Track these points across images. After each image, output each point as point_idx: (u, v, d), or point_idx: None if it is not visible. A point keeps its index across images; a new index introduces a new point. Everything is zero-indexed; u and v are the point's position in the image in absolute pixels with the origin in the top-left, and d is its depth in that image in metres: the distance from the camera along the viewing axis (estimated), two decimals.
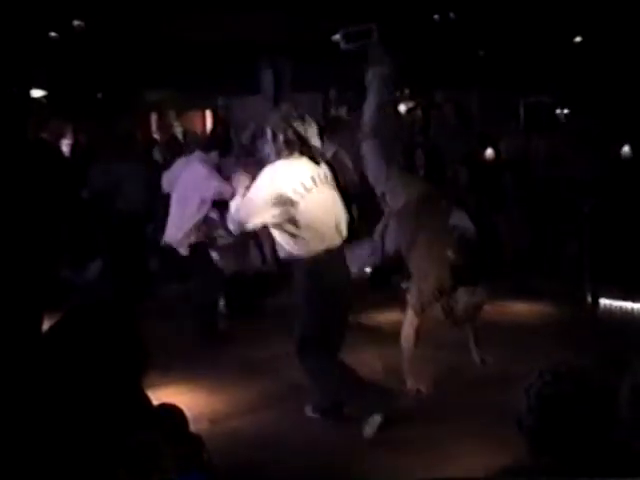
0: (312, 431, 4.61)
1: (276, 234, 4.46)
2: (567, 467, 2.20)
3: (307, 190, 4.30)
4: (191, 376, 5.57)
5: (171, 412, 2.73)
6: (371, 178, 5.55)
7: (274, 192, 4.26)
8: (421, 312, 5.04)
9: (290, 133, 4.38)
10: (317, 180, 4.35)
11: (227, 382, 5.47)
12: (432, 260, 4.95)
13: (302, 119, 4.42)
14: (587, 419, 2.24)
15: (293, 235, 4.35)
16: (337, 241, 4.48)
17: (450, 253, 4.85)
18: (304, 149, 4.39)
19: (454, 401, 4.93)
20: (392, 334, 6.00)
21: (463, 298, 5.03)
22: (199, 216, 6.29)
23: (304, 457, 4.25)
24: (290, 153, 4.38)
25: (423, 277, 5.01)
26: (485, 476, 3.22)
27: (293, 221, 4.29)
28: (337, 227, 4.46)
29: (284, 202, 4.25)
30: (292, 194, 4.26)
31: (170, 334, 6.32)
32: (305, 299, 4.52)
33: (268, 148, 4.72)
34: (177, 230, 6.33)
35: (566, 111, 11.67)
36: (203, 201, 6.25)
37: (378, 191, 5.47)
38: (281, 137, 4.41)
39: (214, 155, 6.48)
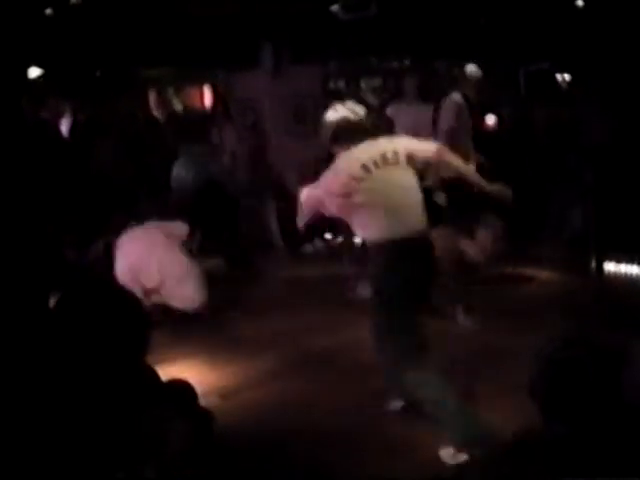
0: (323, 404, 4.61)
1: (351, 219, 4.22)
2: (579, 433, 2.20)
3: (373, 169, 4.07)
4: (200, 351, 5.58)
5: (181, 387, 2.74)
6: None
7: (346, 173, 4.09)
8: None
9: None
10: (385, 159, 4.09)
11: (233, 356, 5.47)
12: None
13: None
14: (598, 384, 2.23)
15: (363, 218, 4.12)
16: (418, 226, 4.10)
17: None
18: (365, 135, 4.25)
19: (464, 371, 4.93)
20: None
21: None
22: None
23: (315, 431, 4.25)
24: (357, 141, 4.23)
25: None
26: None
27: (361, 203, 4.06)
28: (413, 210, 4.12)
29: (351, 183, 4.05)
30: (359, 173, 4.06)
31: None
32: (376, 293, 4.17)
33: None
34: None
35: (567, 77, 11.58)
36: None
37: None
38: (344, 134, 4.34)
39: None
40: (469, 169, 4.45)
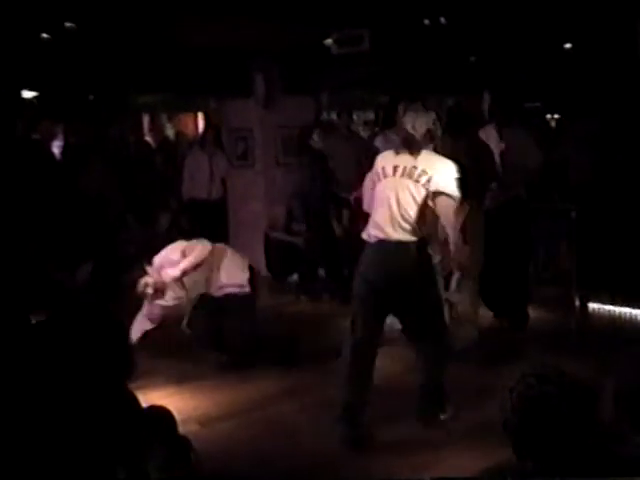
0: (302, 432, 4.62)
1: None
2: (548, 469, 2.22)
3: (386, 175, 4.53)
4: (179, 378, 5.58)
5: (160, 414, 2.75)
6: None
7: (373, 170, 4.65)
8: None
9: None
10: (399, 170, 4.48)
11: (216, 384, 5.48)
12: None
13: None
14: (569, 422, 2.26)
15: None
16: (394, 236, 4.44)
17: None
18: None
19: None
20: None
21: None
22: None
23: (293, 459, 4.26)
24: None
25: None
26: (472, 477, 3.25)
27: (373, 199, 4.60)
28: (396, 221, 4.46)
29: (373, 179, 4.61)
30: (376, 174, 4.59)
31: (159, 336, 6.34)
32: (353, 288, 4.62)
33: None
34: None
35: (556, 116, 11.74)
36: None
37: None
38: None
39: None
40: (454, 229, 4.63)
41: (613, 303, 6.95)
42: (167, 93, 11.77)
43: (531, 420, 2.26)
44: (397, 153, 4.55)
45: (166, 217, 10.04)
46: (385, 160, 4.59)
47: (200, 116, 13.81)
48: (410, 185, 4.41)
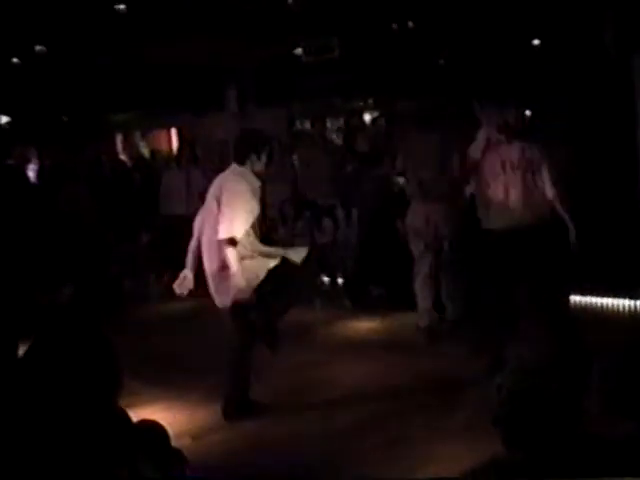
0: (294, 443, 4.64)
1: None
2: (539, 461, 2.26)
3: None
4: (171, 392, 5.58)
5: (151, 428, 2.76)
6: None
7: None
8: None
9: None
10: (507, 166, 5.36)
11: (205, 397, 5.48)
12: None
13: None
14: (557, 413, 2.30)
15: None
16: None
17: None
18: None
19: (432, 401, 5.00)
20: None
21: None
22: None
23: (290, 467, 4.27)
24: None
25: None
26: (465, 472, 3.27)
27: None
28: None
29: None
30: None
31: (149, 351, 6.35)
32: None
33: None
34: None
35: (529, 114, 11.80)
36: None
37: None
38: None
39: None
40: None
41: (593, 294, 7.04)
42: (140, 111, 11.75)
43: (521, 413, 2.30)
44: None
45: (146, 235, 10.04)
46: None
47: (174, 132, 13.81)
48: None
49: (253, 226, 4.98)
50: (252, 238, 4.99)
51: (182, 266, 5.23)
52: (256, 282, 4.96)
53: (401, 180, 7.87)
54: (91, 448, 2.38)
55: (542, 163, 5.44)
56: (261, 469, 4.25)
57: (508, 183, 5.43)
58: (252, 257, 4.97)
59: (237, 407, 5.06)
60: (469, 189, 6.22)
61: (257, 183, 5.08)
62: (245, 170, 5.08)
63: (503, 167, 5.46)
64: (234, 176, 5.07)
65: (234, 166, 5.13)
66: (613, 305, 7.04)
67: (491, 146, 5.53)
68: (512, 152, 5.47)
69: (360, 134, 9.57)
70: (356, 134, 9.63)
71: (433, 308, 6.60)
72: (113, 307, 7.68)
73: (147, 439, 2.61)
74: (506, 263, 5.32)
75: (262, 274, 4.99)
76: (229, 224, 4.87)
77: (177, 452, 2.84)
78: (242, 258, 4.92)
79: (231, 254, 4.86)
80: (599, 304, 7.07)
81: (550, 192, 5.42)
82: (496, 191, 5.45)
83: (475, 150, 5.60)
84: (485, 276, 5.74)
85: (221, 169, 8.03)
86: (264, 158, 5.11)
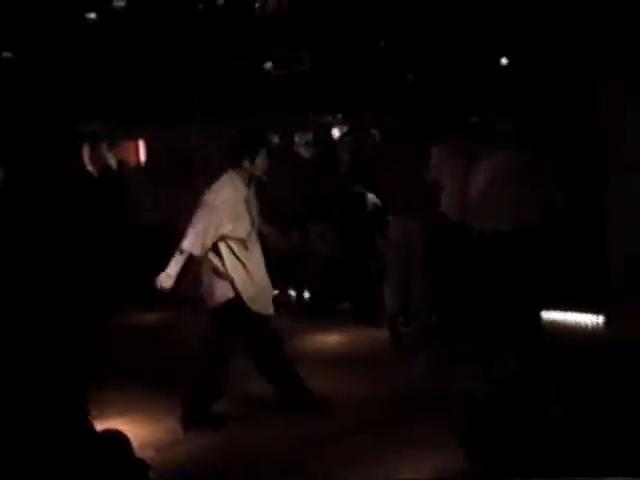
0: (258, 454, 4.61)
1: None
2: (500, 470, 2.26)
3: None
4: (135, 405, 5.51)
5: (114, 437, 2.73)
6: None
7: None
8: None
9: None
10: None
11: (167, 410, 5.42)
12: None
13: None
14: (518, 424, 2.31)
15: None
16: None
17: None
18: None
19: (398, 413, 5.00)
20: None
21: None
22: None
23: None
24: None
25: None
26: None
27: None
28: None
29: None
30: None
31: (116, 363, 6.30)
32: None
33: None
34: None
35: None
36: None
37: None
38: None
39: None
40: None
41: (551, 309, 7.09)
42: (107, 121, 11.66)
43: (481, 424, 2.30)
44: None
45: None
46: None
47: (141, 143, 13.71)
48: None
49: (236, 236, 4.97)
50: (238, 248, 4.98)
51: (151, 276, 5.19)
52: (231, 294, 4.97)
53: (372, 197, 7.93)
54: (57, 456, 2.34)
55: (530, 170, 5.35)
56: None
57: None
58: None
59: (196, 416, 5.02)
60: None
61: (245, 190, 5.05)
62: (233, 175, 5.04)
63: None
64: (217, 185, 5.03)
65: (227, 172, 5.09)
66: (574, 320, 7.11)
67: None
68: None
69: (328, 149, 9.59)
70: (325, 148, 9.65)
71: (401, 315, 6.74)
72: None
73: (111, 448, 2.58)
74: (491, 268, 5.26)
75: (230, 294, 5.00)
76: (190, 237, 4.88)
77: (139, 461, 2.81)
78: (215, 271, 4.95)
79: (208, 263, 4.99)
80: (559, 319, 7.14)
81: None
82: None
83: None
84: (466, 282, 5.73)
85: (187, 180, 7.99)
86: (261, 159, 5.05)
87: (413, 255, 6.54)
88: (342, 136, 11.23)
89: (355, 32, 9.49)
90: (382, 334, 6.90)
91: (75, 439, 2.43)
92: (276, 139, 11.20)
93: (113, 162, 12.48)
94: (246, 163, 5.02)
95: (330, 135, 11.60)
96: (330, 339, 7.17)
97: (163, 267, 5.75)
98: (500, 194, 5.17)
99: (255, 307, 5.02)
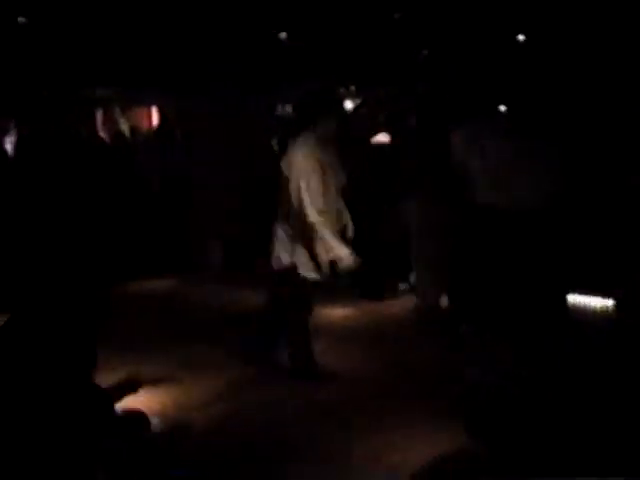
0: (262, 423, 4.68)
1: None
2: (500, 453, 2.30)
3: None
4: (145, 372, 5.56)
5: (134, 418, 2.78)
6: None
7: None
8: None
9: None
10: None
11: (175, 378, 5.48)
12: None
13: None
14: (517, 408, 2.35)
15: None
16: None
17: None
18: None
19: (403, 389, 5.06)
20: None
21: None
22: None
23: (256, 448, 4.31)
24: None
25: None
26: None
27: None
28: None
29: None
30: None
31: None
32: None
33: None
34: None
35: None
36: None
37: None
38: None
39: None
40: None
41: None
42: (121, 87, 11.65)
43: (481, 407, 2.35)
44: None
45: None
46: None
47: (154, 110, 13.67)
48: None
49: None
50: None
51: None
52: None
53: None
54: (73, 429, 2.40)
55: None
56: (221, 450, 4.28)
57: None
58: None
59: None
60: None
61: (317, 150, 5.02)
62: (308, 136, 5.05)
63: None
64: (297, 147, 5.04)
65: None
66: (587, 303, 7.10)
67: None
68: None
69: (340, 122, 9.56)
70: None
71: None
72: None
73: (130, 429, 2.64)
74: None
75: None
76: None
77: (153, 435, 2.87)
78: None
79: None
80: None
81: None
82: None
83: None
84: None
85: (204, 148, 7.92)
86: (330, 121, 5.04)
87: (439, 239, 6.50)
88: (355, 108, 11.20)
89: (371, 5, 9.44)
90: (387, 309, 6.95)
91: (94, 422, 2.47)
92: (289, 109, 11.19)
93: (126, 128, 12.47)
94: (316, 125, 5.04)
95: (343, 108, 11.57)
96: (337, 313, 7.21)
97: (170, 234, 5.78)
98: (523, 175, 5.21)
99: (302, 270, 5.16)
